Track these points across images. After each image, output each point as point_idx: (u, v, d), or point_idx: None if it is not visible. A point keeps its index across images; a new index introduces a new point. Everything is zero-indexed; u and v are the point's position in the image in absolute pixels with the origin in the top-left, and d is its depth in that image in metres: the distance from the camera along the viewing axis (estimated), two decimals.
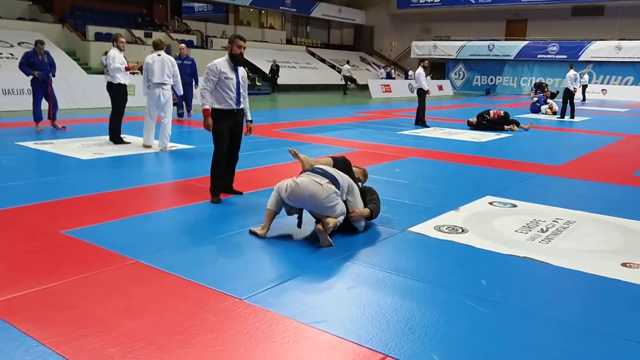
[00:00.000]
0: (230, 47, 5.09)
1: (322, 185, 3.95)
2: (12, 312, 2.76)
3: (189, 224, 4.47)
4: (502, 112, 12.32)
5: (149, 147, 8.16)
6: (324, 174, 4.06)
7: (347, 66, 27.53)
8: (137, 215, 4.62)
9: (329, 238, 3.92)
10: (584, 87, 24.44)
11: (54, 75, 9.86)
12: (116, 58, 8.25)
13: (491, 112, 12.31)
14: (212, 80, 5.01)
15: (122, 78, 8.33)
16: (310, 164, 4.40)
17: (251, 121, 5.43)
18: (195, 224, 4.48)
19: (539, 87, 21.04)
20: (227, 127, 5.13)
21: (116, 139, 8.45)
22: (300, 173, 4.24)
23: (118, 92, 8.40)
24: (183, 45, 12.23)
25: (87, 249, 3.73)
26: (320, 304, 3.00)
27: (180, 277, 3.28)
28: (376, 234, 4.30)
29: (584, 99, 24.45)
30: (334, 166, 4.40)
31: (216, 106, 5.07)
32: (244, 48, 5.14)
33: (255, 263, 3.62)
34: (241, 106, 5.22)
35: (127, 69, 8.37)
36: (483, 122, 12.12)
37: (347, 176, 4.27)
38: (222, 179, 5.24)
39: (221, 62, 5.09)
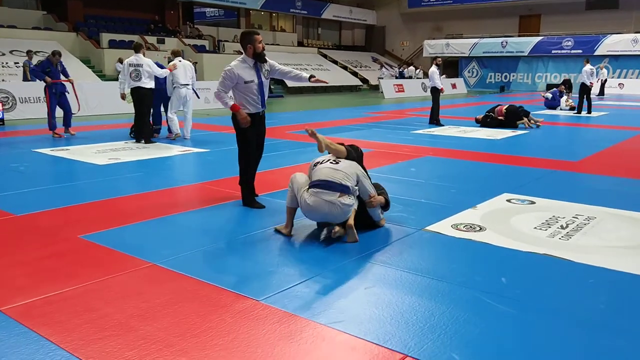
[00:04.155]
0: (252, 47, 4.70)
1: (335, 204, 3.91)
2: (30, 316, 2.77)
3: (205, 227, 4.46)
4: (504, 107, 11.96)
5: (178, 135, 9.58)
6: (334, 187, 3.95)
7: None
8: (154, 218, 4.63)
9: (356, 234, 3.96)
10: (604, 82, 24.03)
11: (67, 76, 10.12)
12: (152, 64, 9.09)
13: (497, 109, 12.10)
14: (228, 86, 4.73)
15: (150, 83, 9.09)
16: (326, 144, 4.30)
17: (313, 76, 5.05)
18: (212, 227, 4.47)
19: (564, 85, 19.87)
20: (253, 131, 4.88)
21: (149, 138, 9.08)
22: (314, 166, 4.18)
23: (150, 96, 9.10)
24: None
25: (104, 253, 3.74)
26: (338, 304, 2.97)
27: (197, 279, 3.28)
28: (393, 233, 4.26)
29: (602, 94, 24.05)
30: (347, 158, 4.32)
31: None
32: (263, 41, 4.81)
33: (272, 264, 3.60)
34: (265, 108, 4.96)
35: (169, 68, 9.29)
36: (487, 120, 11.96)
37: (354, 165, 4.19)
38: (252, 183, 5.04)
39: (238, 65, 4.73)
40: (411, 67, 28.82)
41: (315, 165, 4.22)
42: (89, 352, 2.44)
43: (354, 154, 4.43)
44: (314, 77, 5.05)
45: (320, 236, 4.18)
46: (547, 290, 3.19)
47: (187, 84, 9.48)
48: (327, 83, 5.47)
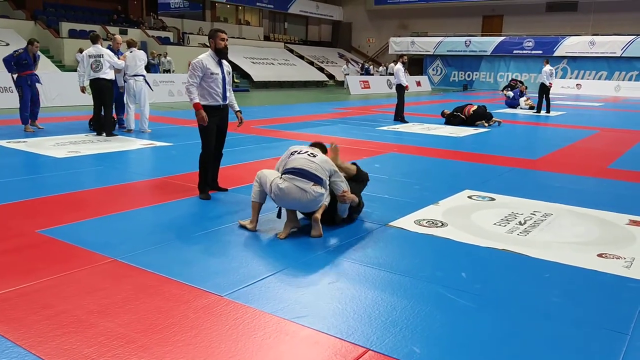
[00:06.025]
0: (214, 42, 5.02)
1: (307, 191, 3.94)
2: None
3: (168, 222, 4.40)
4: (472, 108, 12.22)
5: (131, 130, 9.46)
6: (308, 175, 3.98)
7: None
8: (114, 213, 4.55)
9: (321, 228, 4.01)
10: None
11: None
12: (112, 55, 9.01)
13: (466, 108, 12.37)
14: (197, 76, 4.95)
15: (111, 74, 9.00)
16: (339, 163, 4.46)
17: (240, 111, 5.32)
18: (175, 222, 4.42)
19: (514, 83, 20.81)
20: (214, 123, 5.08)
21: (110, 131, 8.92)
22: (290, 154, 4.18)
23: (110, 88, 8.97)
24: (118, 36, 10.24)
25: (63, 248, 3.66)
26: (301, 299, 2.99)
27: (159, 274, 3.24)
28: (357, 228, 4.30)
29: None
30: (356, 175, 4.57)
31: (203, 102, 5.00)
32: (226, 40, 5.09)
33: (236, 259, 3.59)
34: (227, 102, 5.17)
35: (120, 59, 9.19)
36: (451, 118, 12.22)
37: (330, 162, 4.21)
38: (210, 175, 5.20)
39: (205, 57, 5.01)
40: (391, 65, 29.14)
41: (291, 153, 4.22)
42: (46, 349, 2.39)
43: (364, 175, 4.69)
44: (240, 112, 5.31)
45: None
46: (505, 284, 3.29)
47: (137, 75, 9.36)
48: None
